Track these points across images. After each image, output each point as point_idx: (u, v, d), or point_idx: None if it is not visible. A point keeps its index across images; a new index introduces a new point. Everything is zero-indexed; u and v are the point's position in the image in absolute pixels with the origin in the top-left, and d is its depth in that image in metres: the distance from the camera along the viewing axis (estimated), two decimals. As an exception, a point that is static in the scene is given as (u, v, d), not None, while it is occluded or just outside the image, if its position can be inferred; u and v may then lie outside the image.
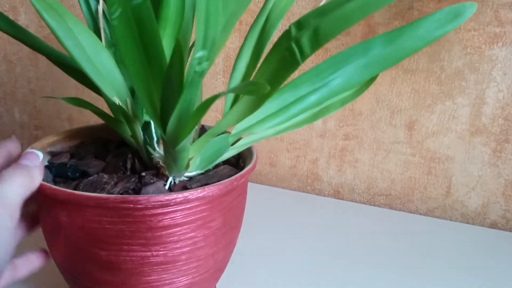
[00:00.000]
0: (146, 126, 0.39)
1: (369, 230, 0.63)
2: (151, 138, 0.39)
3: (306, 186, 0.78)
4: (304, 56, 0.28)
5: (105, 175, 0.37)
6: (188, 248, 0.34)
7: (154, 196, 0.31)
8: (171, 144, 0.34)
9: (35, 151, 0.36)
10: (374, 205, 0.74)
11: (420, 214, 0.71)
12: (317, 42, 0.27)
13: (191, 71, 0.27)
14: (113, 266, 0.34)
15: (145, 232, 0.32)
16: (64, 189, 0.32)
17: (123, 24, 0.24)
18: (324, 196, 0.77)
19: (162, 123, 0.32)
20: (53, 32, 0.33)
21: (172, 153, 0.35)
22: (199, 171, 0.39)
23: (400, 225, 0.65)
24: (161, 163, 0.37)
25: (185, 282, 0.36)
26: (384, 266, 0.54)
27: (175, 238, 0.33)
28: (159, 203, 0.31)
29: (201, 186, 0.36)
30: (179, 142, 0.33)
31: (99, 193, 0.33)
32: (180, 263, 0.35)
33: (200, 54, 0.26)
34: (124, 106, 0.37)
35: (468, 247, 0.59)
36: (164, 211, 0.32)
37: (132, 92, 0.38)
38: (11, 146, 0.38)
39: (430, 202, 0.71)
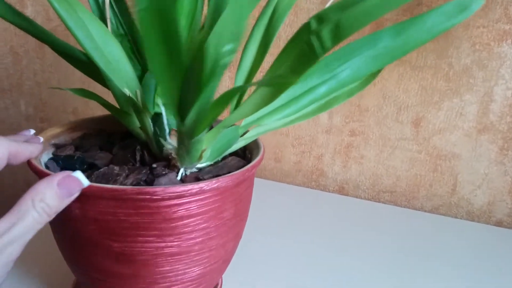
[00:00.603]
0: (156, 118, 0.39)
1: (374, 226, 0.63)
2: (163, 129, 0.39)
3: (310, 182, 0.78)
4: (324, 50, 0.28)
5: (115, 167, 0.37)
6: (201, 239, 0.34)
7: (170, 187, 0.31)
8: (188, 136, 0.34)
9: (80, 178, 0.31)
10: (378, 202, 0.74)
11: (425, 211, 0.71)
12: (338, 35, 0.27)
13: (216, 64, 0.27)
14: (126, 258, 0.34)
15: (160, 223, 0.32)
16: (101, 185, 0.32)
17: (147, 16, 0.24)
18: (329, 192, 0.77)
19: (181, 115, 0.32)
20: (64, 22, 0.33)
21: (187, 145, 0.35)
22: (209, 162, 0.39)
23: (404, 222, 0.65)
24: (173, 155, 0.37)
25: (197, 272, 0.36)
26: (388, 263, 0.54)
27: (188, 228, 0.33)
28: (175, 194, 0.31)
29: (213, 177, 0.36)
30: (197, 135, 0.33)
31: (112, 184, 0.33)
32: (193, 253, 0.35)
33: (229, 47, 0.26)
34: (134, 97, 0.37)
35: (473, 245, 0.59)
36: (179, 202, 0.32)
37: (141, 83, 0.38)
38: (33, 149, 0.35)
39: (435, 199, 0.71)
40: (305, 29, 0.29)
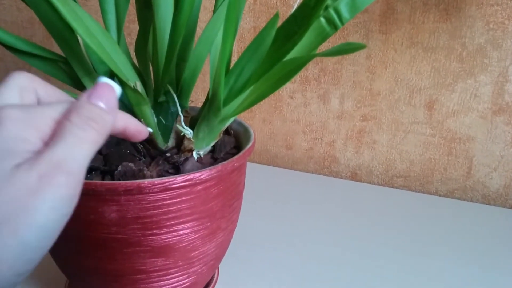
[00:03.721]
0: (160, 107, 0.39)
1: (388, 212, 0.62)
2: (169, 117, 0.38)
3: (323, 169, 0.77)
4: (343, 22, 0.30)
5: (129, 164, 0.36)
6: (225, 217, 0.37)
7: (206, 170, 0.33)
8: (216, 113, 0.35)
9: (110, 82, 0.26)
10: (392, 187, 0.73)
11: (440, 195, 0.70)
12: (355, 7, 0.29)
13: None
14: (168, 249, 0.34)
15: (199, 207, 0.34)
16: (123, 181, 0.31)
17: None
18: (342, 178, 0.76)
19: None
20: (65, 18, 0.31)
21: (213, 124, 0.36)
22: (212, 143, 0.40)
23: (419, 207, 0.64)
24: (191, 139, 0.37)
25: (212, 249, 0.38)
26: (403, 248, 0.53)
27: (217, 207, 0.35)
28: (210, 175, 0.33)
29: (227, 153, 0.39)
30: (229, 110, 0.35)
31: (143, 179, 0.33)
32: (219, 231, 0.37)
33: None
34: (137, 88, 0.36)
35: (489, 229, 0.58)
36: (212, 183, 0.34)
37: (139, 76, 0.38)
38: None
39: (450, 183, 0.69)
40: (316, 6, 0.28)
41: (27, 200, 0.21)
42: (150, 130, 0.34)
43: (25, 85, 0.25)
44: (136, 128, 0.29)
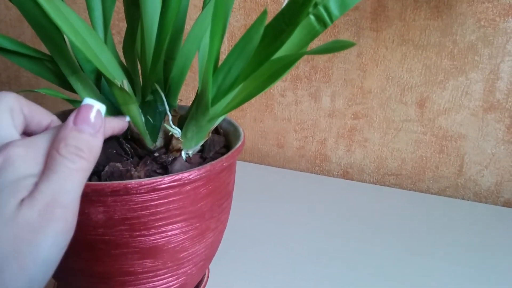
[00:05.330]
0: (148, 106, 0.38)
1: (379, 210, 0.62)
2: (158, 116, 0.38)
3: (314, 167, 0.77)
4: (332, 19, 0.29)
5: (116, 164, 0.35)
6: (215, 217, 0.37)
7: (194, 170, 0.32)
8: (204, 113, 0.35)
9: (94, 102, 0.26)
10: (384, 185, 0.72)
11: (432, 193, 0.70)
12: (345, 4, 0.29)
13: None
14: (156, 250, 0.34)
15: (188, 207, 0.33)
16: (110, 182, 0.30)
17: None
18: (333, 177, 0.76)
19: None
20: (50, 15, 0.31)
21: (202, 124, 0.36)
22: (201, 143, 0.39)
23: (411, 205, 0.64)
24: (179, 138, 0.37)
25: (202, 250, 0.37)
26: (395, 246, 0.53)
27: (207, 208, 0.35)
28: (198, 175, 0.32)
29: (216, 153, 0.38)
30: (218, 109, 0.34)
31: (129, 180, 0.32)
32: (208, 231, 0.36)
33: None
34: (124, 87, 0.36)
35: (481, 226, 0.58)
36: (201, 183, 0.33)
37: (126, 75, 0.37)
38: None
39: (442, 181, 0.69)
40: (305, 3, 0.28)
41: (31, 237, 0.22)
42: (128, 118, 0.35)
43: (14, 106, 0.27)
44: (120, 127, 0.33)
